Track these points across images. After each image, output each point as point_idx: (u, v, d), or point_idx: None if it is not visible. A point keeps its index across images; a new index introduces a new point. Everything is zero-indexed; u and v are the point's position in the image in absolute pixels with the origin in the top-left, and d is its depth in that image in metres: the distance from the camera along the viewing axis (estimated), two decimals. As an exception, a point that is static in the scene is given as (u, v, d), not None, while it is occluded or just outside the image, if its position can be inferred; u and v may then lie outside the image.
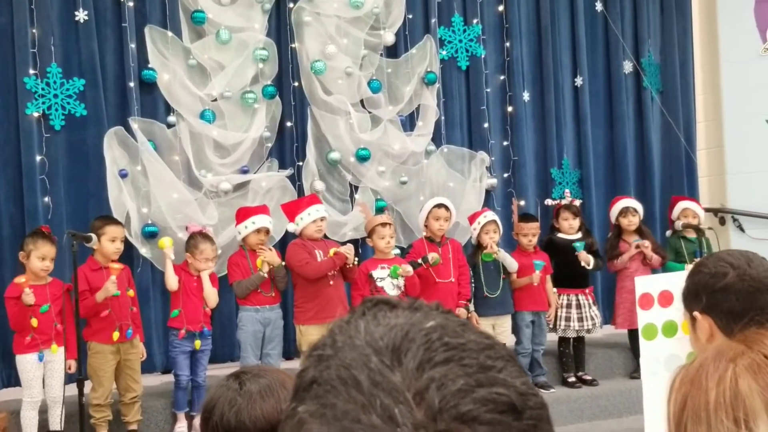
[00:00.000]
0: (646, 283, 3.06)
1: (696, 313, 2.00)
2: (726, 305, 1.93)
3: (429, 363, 0.63)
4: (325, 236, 6.29)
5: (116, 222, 5.68)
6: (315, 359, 0.67)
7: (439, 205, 6.49)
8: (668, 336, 2.97)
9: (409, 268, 6.08)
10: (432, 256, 6.24)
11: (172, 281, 5.67)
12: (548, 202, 7.32)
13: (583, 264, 6.66)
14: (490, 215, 6.61)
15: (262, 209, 6.13)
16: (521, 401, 0.62)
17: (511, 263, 6.48)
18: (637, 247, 6.79)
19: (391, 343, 0.64)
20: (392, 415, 0.60)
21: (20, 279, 5.22)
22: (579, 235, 6.85)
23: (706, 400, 1.22)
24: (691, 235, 6.99)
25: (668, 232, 7.29)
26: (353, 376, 0.63)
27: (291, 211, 6.11)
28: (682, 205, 7.22)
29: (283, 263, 5.98)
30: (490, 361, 0.64)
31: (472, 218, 6.65)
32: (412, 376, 0.62)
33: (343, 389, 0.62)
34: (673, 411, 1.25)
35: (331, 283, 5.94)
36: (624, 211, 6.98)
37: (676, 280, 3.02)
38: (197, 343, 5.68)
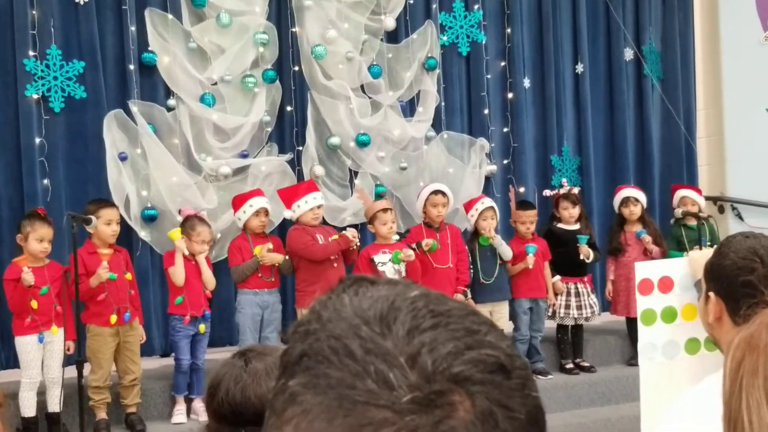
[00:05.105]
0: (646, 269, 3.05)
1: (711, 293, 2.01)
2: (743, 299, 1.93)
3: (417, 329, 0.64)
4: (324, 221, 6.31)
5: (111, 204, 5.66)
6: (301, 335, 0.67)
7: (436, 192, 6.49)
8: (667, 322, 2.97)
9: (410, 252, 6.10)
10: (426, 243, 6.24)
11: (180, 276, 5.61)
12: (546, 193, 7.30)
13: (582, 257, 6.68)
14: (487, 202, 6.62)
15: (257, 192, 6.13)
16: (509, 361, 0.65)
17: (506, 251, 6.49)
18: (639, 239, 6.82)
19: (378, 312, 0.66)
20: (387, 380, 0.61)
21: (18, 259, 5.23)
22: (578, 226, 6.86)
23: (766, 358, 1.23)
24: (692, 222, 7.01)
25: (672, 221, 7.32)
26: (345, 345, 0.63)
27: (288, 197, 6.11)
28: (681, 193, 7.24)
29: (286, 257, 6.00)
30: (475, 326, 0.66)
31: (468, 205, 6.65)
32: (403, 342, 0.63)
33: (335, 359, 0.63)
34: (730, 367, 1.26)
35: (335, 265, 5.97)
36: (625, 201, 6.98)
37: (676, 266, 3.02)
38: (201, 327, 5.69)
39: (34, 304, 5.15)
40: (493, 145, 7.34)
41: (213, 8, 6.44)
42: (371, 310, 0.66)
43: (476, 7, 7.34)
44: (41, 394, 5.27)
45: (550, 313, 6.76)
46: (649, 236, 6.80)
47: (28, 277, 5.05)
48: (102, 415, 5.41)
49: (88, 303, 5.38)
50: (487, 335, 0.66)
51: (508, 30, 7.48)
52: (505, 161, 7.44)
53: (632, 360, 6.66)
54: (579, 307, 6.71)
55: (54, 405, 5.25)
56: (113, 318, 5.38)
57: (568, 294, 6.74)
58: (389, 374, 0.61)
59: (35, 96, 5.90)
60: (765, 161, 7.92)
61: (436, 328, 0.64)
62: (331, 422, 0.61)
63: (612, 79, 7.94)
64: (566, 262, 6.75)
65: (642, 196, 7.05)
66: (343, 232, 6.07)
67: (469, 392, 0.62)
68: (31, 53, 5.89)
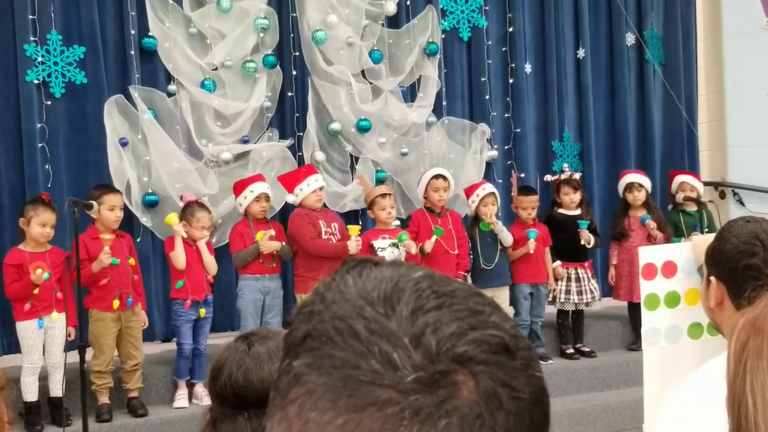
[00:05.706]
0: (649, 254, 3.06)
1: (712, 278, 2.01)
2: (744, 283, 1.93)
3: (421, 310, 0.64)
4: (324, 205, 6.32)
5: (114, 190, 5.67)
6: (305, 316, 0.67)
7: (437, 176, 6.49)
8: (670, 307, 2.98)
9: (414, 249, 6.12)
10: (430, 244, 6.22)
11: (181, 259, 5.65)
12: (548, 178, 7.29)
13: (583, 242, 6.69)
14: (489, 187, 6.62)
15: (258, 177, 6.14)
16: (513, 342, 0.65)
17: (506, 237, 6.51)
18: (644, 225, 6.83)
19: (382, 293, 0.65)
20: (391, 360, 0.61)
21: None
22: (579, 211, 6.86)
23: None
24: (691, 208, 7.01)
25: (670, 207, 7.32)
26: (349, 326, 0.63)
27: (289, 182, 6.12)
28: (680, 179, 7.24)
29: (284, 243, 6.01)
30: (480, 307, 0.66)
31: (469, 190, 6.66)
32: (407, 323, 0.63)
33: (339, 339, 0.63)
34: (735, 349, 1.26)
35: None
36: (629, 187, 6.99)
37: (679, 251, 3.03)
38: (202, 311, 5.72)
39: (35, 288, 5.16)
40: (494, 130, 7.33)
41: (213, -7, 6.42)
42: (375, 291, 0.66)
43: (477, -9, 7.31)
44: (43, 379, 5.30)
45: (550, 299, 6.78)
46: (654, 222, 6.80)
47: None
48: (104, 399, 5.44)
49: (91, 288, 5.40)
50: (491, 316, 0.66)
51: (510, 15, 7.45)
52: (506, 147, 7.43)
53: (633, 345, 6.68)
54: (579, 293, 6.73)
55: (56, 390, 5.28)
56: (116, 303, 5.40)
57: (569, 279, 6.76)
58: (393, 354, 0.61)
59: (36, 81, 5.88)
60: (766, 146, 7.92)
61: (440, 309, 0.64)
62: (336, 402, 0.61)
63: (613, 65, 7.92)
64: (567, 248, 6.77)
65: (646, 182, 7.05)
66: (349, 241, 5.96)
67: (473, 372, 0.62)
68: (31, 38, 5.87)
